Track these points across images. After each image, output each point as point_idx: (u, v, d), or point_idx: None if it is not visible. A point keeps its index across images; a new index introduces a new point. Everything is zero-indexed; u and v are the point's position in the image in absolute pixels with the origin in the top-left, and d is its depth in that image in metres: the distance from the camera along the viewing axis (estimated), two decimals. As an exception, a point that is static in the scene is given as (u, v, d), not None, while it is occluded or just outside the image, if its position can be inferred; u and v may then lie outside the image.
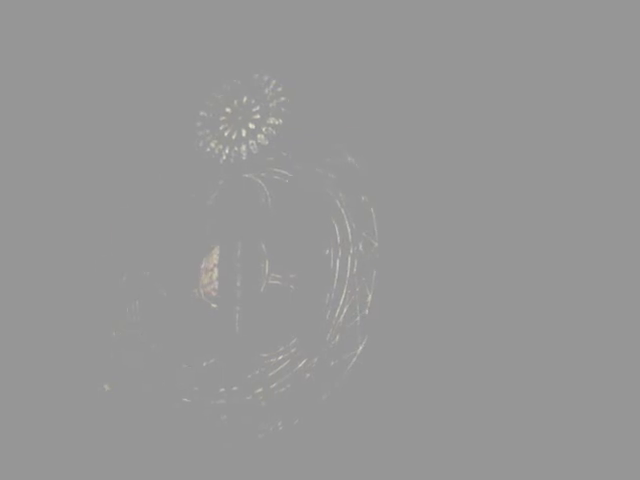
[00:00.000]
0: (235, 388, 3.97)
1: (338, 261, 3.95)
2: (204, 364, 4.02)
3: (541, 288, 3.66)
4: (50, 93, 4.39)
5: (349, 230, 3.96)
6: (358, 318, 3.89)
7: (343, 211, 3.98)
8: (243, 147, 4.14)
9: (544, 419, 3.59)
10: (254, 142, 4.13)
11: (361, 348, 3.87)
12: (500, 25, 3.85)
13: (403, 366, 3.79)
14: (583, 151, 3.70)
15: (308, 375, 3.90)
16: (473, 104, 3.85)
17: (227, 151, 4.16)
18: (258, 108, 4.15)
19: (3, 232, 4.32)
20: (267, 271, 4.03)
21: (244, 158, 4.13)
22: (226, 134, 4.17)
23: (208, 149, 4.18)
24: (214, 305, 4.07)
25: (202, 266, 4.11)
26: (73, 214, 4.29)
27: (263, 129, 4.13)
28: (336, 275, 3.94)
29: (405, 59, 3.96)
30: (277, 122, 4.12)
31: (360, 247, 3.94)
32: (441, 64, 3.90)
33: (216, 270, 4.09)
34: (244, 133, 4.15)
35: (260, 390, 3.95)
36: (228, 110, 4.19)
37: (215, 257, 4.10)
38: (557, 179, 3.73)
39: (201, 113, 4.23)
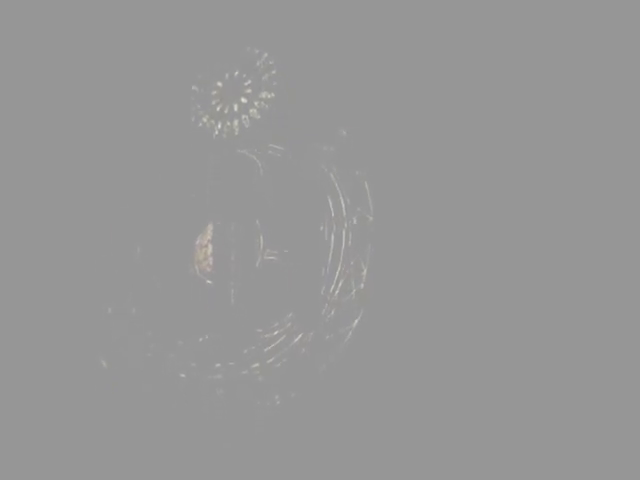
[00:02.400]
0: (232, 363, 3.98)
1: (333, 235, 3.95)
2: (200, 340, 4.03)
3: (539, 270, 3.67)
4: (34, 77, 4.34)
5: (343, 205, 3.96)
6: (353, 292, 3.90)
7: (337, 186, 3.97)
8: (235, 122, 4.11)
9: (540, 401, 3.62)
10: (246, 117, 4.11)
11: (357, 322, 3.88)
12: (500, 17, 3.83)
13: (399, 339, 3.81)
14: (583, 150, 3.69)
15: (304, 350, 3.92)
16: (470, 80, 3.84)
17: (219, 126, 4.13)
18: (250, 82, 4.12)
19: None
20: (262, 246, 4.02)
21: (237, 133, 4.11)
22: (218, 109, 4.14)
23: (200, 124, 4.15)
24: (209, 281, 4.07)
25: (197, 242, 4.11)
26: (63, 194, 4.27)
27: (255, 103, 4.10)
28: (331, 250, 3.94)
29: (399, 36, 3.94)
30: (269, 96, 4.09)
31: (354, 221, 3.94)
32: (435, 43, 3.88)
33: (210, 246, 4.08)
34: (236, 108, 4.12)
35: (256, 365, 3.96)
36: (220, 84, 4.16)
37: (209, 233, 4.10)
38: (554, 167, 3.73)
39: (193, 87, 4.19)
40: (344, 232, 3.94)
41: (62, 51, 4.28)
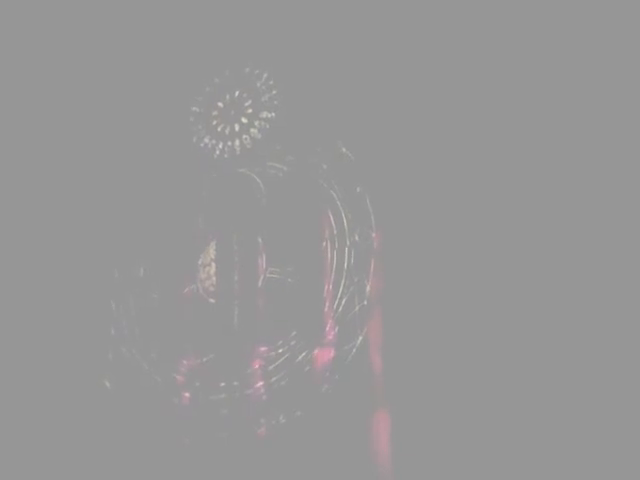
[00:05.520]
0: (236, 383, 3.97)
1: (335, 252, 3.94)
2: (204, 359, 4.02)
3: (540, 286, 3.64)
4: (35, 90, 4.37)
5: (345, 221, 3.96)
6: (357, 309, 3.89)
7: (339, 202, 3.97)
8: (237, 142, 4.14)
9: (550, 414, 3.59)
10: (247, 136, 4.13)
11: (361, 339, 3.87)
12: (497, 17, 3.85)
13: (403, 356, 3.79)
14: (583, 151, 3.69)
15: (308, 367, 3.90)
16: (468, 92, 3.84)
17: (221, 146, 4.15)
18: (250, 102, 4.15)
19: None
20: (264, 265, 4.02)
21: (238, 153, 4.13)
22: (219, 129, 4.17)
23: (202, 144, 4.18)
24: (212, 300, 4.07)
25: (199, 262, 4.11)
26: (63, 210, 4.29)
27: (256, 123, 4.12)
28: (334, 267, 3.93)
29: (397, 48, 3.96)
30: (270, 115, 4.11)
31: (357, 238, 3.94)
32: (434, 53, 3.89)
33: (213, 265, 4.08)
34: (237, 128, 4.14)
35: (261, 384, 3.94)
36: (220, 105, 4.19)
37: (212, 252, 4.10)
38: (555, 168, 3.73)
39: (193, 108, 4.22)
40: (347, 249, 3.94)
41: (63, 74, 4.33)
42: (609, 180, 3.63)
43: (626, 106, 3.63)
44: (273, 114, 4.11)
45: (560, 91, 3.72)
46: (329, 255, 3.94)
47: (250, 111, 4.14)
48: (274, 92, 4.13)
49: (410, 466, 3.70)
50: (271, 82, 4.13)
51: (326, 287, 3.92)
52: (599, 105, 3.67)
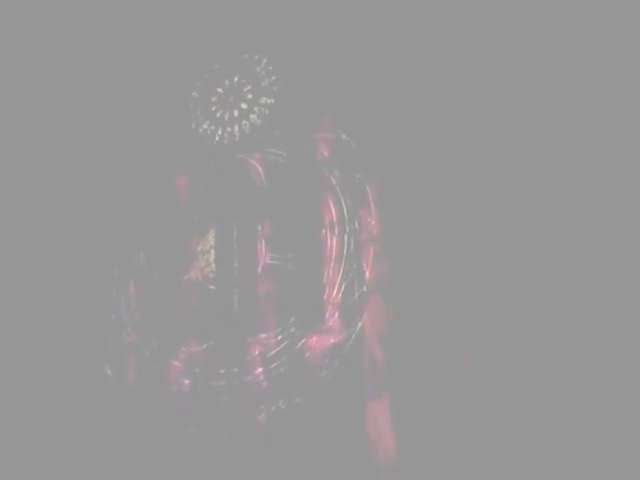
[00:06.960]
0: (235, 369, 3.98)
1: (335, 239, 3.94)
2: (204, 346, 4.03)
3: (538, 286, 3.65)
4: (34, 84, 4.37)
5: (345, 208, 3.96)
6: (356, 295, 3.89)
7: (338, 189, 3.97)
8: (236, 127, 4.13)
9: (548, 405, 3.60)
10: (247, 122, 4.12)
11: (360, 325, 3.87)
12: (498, 20, 3.84)
13: (402, 342, 3.80)
14: (584, 152, 3.68)
15: (307, 354, 3.91)
16: (470, 83, 3.83)
17: (220, 132, 4.14)
18: (250, 88, 4.14)
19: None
20: (264, 251, 4.02)
21: (237, 139, 4.12)
22: (218, 115, 4.15)
23: (201, 130, 4.17)
24: (212, 287, 4.07)
25: (199, 249, 4.11)
26: (64, 199, 4.29)
27: (255, 109, 4.11)
28: (333, 253, 3.93)
29: (396, 36, 3.94)
30: (269, 101, 4.10)
31: (356, 225, 3.93)
32: (432, 43, 3.88)
33: (212, 252, 4.08)
34: (236, 113, 4.13)
35: (260, 370, 3.95)
36: (220, 91, 4.18)
37: (211, 239, 4.10)
38: (551, 158, 3.73)
39: (193, 94, 4.21)
40: (346, 236, 3.94)
41: (64, 59, 4.32)
42: (610, 179, 3.64)
43: (625, 106, 3.63)
44: (273, 100, 4.10)
45: (554, 84, 3.74)
46: (328, 242, 3.94)
47: (250, 97, 4.13)
48: (274, 78, 4.11)
49: (410, 450, 3.71)
50: (271, 68, 4.12)
51: (325, 274, 3.92)
52: (603, 105, 3.67)
